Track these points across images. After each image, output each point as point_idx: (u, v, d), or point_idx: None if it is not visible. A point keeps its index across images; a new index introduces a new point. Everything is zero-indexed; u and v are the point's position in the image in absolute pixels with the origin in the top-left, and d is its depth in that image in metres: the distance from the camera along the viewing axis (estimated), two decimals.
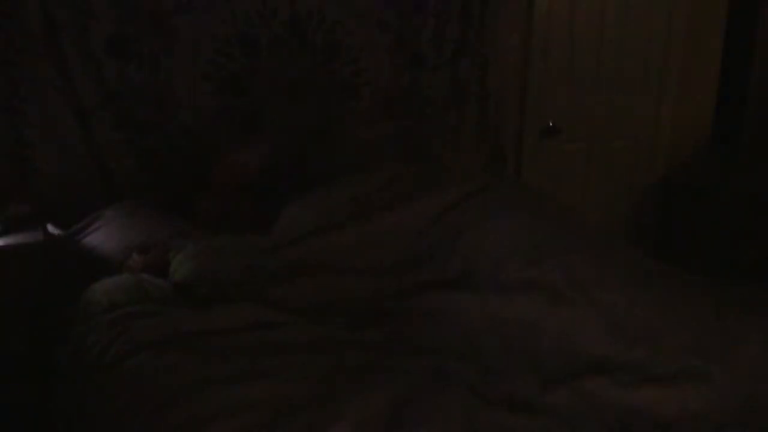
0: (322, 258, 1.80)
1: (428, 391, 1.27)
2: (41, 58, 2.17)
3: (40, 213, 2.19)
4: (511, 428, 1.18)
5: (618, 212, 3.49)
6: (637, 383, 1.33)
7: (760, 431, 1.21)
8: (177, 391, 1.24)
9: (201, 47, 2.41)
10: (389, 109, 2.86)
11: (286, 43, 2.57)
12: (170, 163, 2.45)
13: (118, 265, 1.95)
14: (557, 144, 3.28)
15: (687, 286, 1.67)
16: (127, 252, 2.00)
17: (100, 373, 1.41)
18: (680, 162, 3.54)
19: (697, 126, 3.56)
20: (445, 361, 1.41)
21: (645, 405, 1.28)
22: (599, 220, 3.05)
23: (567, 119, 3.26)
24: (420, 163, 2.62)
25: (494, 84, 3.08)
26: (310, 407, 1.18)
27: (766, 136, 3.38)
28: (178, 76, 2.40)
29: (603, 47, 3.24)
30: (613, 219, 3.45)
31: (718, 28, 3.42)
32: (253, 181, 2.21)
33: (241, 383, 1.26)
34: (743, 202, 3.11)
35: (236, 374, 1.29)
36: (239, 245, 1.89)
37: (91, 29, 2.21)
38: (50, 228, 2.15)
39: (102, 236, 2.09)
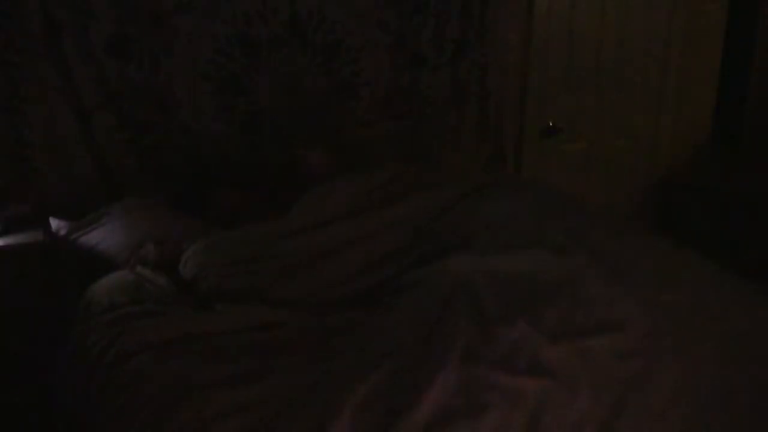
0: (326, 248, 1.84)
1: (425, 360, 1.26)
2: (41, 58, 2.17)
3: (40, 213, 2.19)
4: (510, 390, 1.17)
5: (618, 212, 3.50)
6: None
7: None
8: (180, 391, 1.24)
9: (201, 47, 2.41)
10: (389, 109, 2.86)
11: (286, 43, 2.57)
12: (171, 163, 2.45)
13: (124, 263, 1.95)
14: (557, 144, 3.28)
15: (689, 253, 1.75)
16: (135, 250, 2.00)
17: (101, 373, 1.41)
18: (680, 162, 3.54)
19: (697, 126, 3.56)
20: (444, 319, 1.41)
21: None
22: None
23: (567, 119, 3.26)
24: (420, 163, 2.62)
25: (494, 84, 3.08)
26: (311, 404, 1.18)
27: (766, 136, 3.38)
28: (178, 76, 2.40)
29: (603, 47, 3.24)
30: None
31: (718, 28, 3.42)
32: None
33: (244, 384, 1.26)
34: (743, 202, 3.11)
35: (239, 374, 1.29)
36: (250, 235, 1.91)
37: (91, 29, 2.21)
38: (53, 222, 2.14)
39: (107, 233, 2.08)
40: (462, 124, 3.05)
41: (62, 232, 2.11)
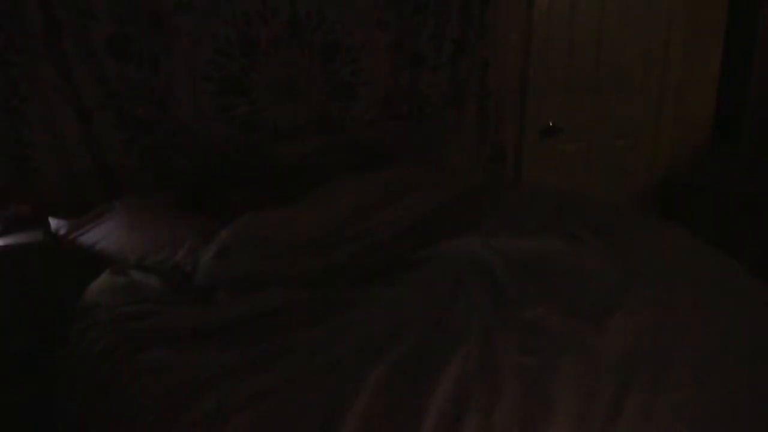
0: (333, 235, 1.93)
1: (442, 341, 1.27)
2: (41, 58, 2.17)
3: (40, 213, 2.19)
4: (526, 369, 1.19)
5: None
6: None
7: None
8: (196, 383, 1.24)
9: (201, 47, 2.41)
10: (389, 109, 2.86)
11: (286, 43, 2.57)
12: (170, 163, 2.45)
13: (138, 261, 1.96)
14: (557, 144, 3.28)
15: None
16: (143, 250, 2.00)
17: (103, 371, 1.40)
18: (680, 162, 3.54)
19: (697, 126, 3.56)
20: (459, 299, 1.44)
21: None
22: None
23: (567, 119, 3.26)
24: (421, 163, 2.63)
25: (494, 84, 3.08)
26: (326, 389, 1.18)
27: (766, 136, 3.38)
28: (178, 76, 2.40)
29: (603, 47, 3.24)
30: None
31: (718, 28, 3.42)
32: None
33: (258, 371, 1.26)
34: (743, 202, 3.11)
35: (251, 361, 1.30)
36: (262, 221, 2.00)
37: (91, 29, 2.21)
38: (53, 221, 2.14)
39: (108, 231, 2.08)
40: (462, 124, 3.05)
41: (62, 231, 2.11)
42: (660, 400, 1.16)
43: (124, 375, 1.34)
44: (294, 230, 1.97)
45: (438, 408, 1.10)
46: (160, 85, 2.37)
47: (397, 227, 1.98)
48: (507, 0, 3.00)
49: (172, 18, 2.33)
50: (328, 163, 2.48)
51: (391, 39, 2.78)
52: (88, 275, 1.84)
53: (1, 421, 1.93)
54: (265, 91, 2.58)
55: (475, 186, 2.24)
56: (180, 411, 1.18)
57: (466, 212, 2.03)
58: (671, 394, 1.18)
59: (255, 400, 1.17)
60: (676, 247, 1.83)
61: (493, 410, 1.10)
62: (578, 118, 3.29)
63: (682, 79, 3.43)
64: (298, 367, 1.27)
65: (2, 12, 2.09)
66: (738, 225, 3.08)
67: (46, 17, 2.14)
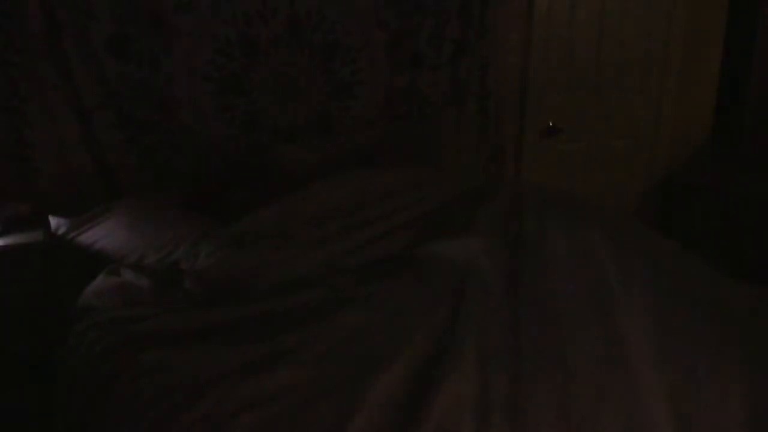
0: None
1: (441, 359, 1.29)
2: (41, 58, 2.17)
3: (40, 213, 2.19)
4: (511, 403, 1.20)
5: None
6: None
7: None
8: (197, 383, 1.25)
9: (201, 47, 2.41)
10: (388, 109, 2.86)
11: (285, 42, 2.57)
12: (170, 163, 2.45)
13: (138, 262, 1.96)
14: (557, 144, 3.28)
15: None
16: (143, 250, 2.00)
17: (103, 372, 1.40)
18: (680, 162, 3.54)
19: (697, 126, 3.56)
20: (460, 310, 1.45)
21: None
22: None
23: (567, 119, 3.26)
24: (420, 163, 2.63)
25: (494, 84, 3.08)
26: (328, 401, 1.18)
27: (766, 136, 3.37)
28: (178, 76, 2.40)
29: (603, 47, 3.24)
30: None
31: (718, 28, 3.42)
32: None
33: (260, 372, 1.27)
34: (743, 202, 3.11)
35: (254, 362, 1.31)
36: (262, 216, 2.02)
37: (91, 29, 2.21)
38: (53, 220, 2.14)
39: (108, 231, 2.09)
40: (462, 124, 3.05)
41: (62, 230, 2.11)
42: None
43: (124, 376, 1.35)
44: (291, 220, 1.98)
45: (435, 423, 1.11)
46: (160, 85, 2.37)
47: (394, 223, 1.98)
48: (507, 0, 3.00)
49: (172, 18, 2.33)
50: (328, 163, 2.48)
51: (391, 39, 2.78)
52: (87, 275, 1.84)
53: (1, 421, 1.93)
54: (265, 91, 2.58)
55: (474, 186, 2.24)
56: (180, 411, 1.18)
57: (464, 211, 2.04)
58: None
59: (255, 405, 1.17)
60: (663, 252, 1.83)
61: None
62: (578, 118, 3.29)
63: (682, 79, 3.43)
64: (300, 374, 1.27)
65: (2, 12, 2.09)
66: (738, 225, 3.08)
67: (46, 17, 2.14)
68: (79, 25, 2.19)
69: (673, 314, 1.44)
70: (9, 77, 2.16)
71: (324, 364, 1.30)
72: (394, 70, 2.83)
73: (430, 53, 2.88)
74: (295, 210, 2.05)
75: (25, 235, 2.10)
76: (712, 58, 3.46)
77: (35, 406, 1.89)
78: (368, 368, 1.25)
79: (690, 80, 3.44)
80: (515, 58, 3.13)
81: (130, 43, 2.29)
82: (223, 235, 1.92)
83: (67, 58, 2.20)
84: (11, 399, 1.96)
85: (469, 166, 3.06)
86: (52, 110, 2.23)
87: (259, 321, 1.51)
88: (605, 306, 1.47)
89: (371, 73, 2.78)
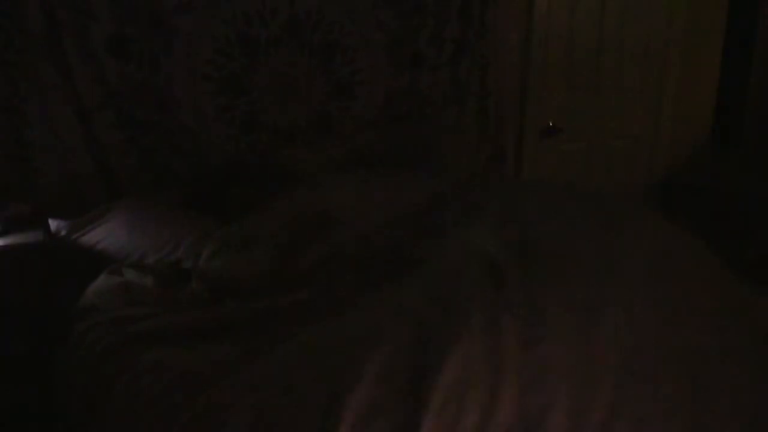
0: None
1: (444, 324, 1.26)
2: (41, 58, 2.17)
3: (40, 213, 2.19)
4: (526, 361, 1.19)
5: None
6: None
7: None
8: (194, 382, 1.24)
9: (201, 47, 2.41)
10: (388, 109, 2.86)
11: (285, 43, 2.57)
12: (171, 163, 2.45)
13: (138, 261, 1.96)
14: (557, 144, 3.28)
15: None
16: (144, 250, 2.00)
17: (104, 372, 1.40)
18: (680, 162, 3.54)
19: (697, 126, 3.56)
20: (461, 289, 1.42)
21: None
22: None
23: (567, 119, 3.26)
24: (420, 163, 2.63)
25: (494, 84, 3.08)
26: (326, 374, 1.17)
27: (766, 136, 3.38)
28: (178, 76, 2.39)
29: (603, 47, 3.24)
30: None
31: (718, 28, 3.42)
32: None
33: (254, 362, 1.27)
34: (743, 202, 3.11)
35: (248, 353, 1.31)
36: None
37: (91, 29, 2.21)
38: (53, 223, 2.14)
39: (109, 231, 2.09)
40: (462, 124, 3.05)
41: (62, 233, 2.12)
42: (659, 397, 1.17)
43: (126, 375, 1.35)
44: (292, 219, 1.97)
45: (442, 393, 1.09)
46: (160, 86, 2.37)
47: (393, 214, 1.98)
48: (507, 0, 3.00)
49: (172, 18, 2.33)
50: (330, 165, 2.48)
51: (391, 39, 2.78)
52: (88, 276, 1.84)
53: (1, 421, 1.93)
54: (265, 91, 2.58)
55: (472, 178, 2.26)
56: (181, 409, 1.18)
57: (464, 199, 2.04)
58: (668, 384, 1.18)
59: (255, 390, 1.17)
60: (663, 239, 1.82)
61: (494, 405, 1.10)
62: (578, 118, 3.29)
63: (682, 79, 3.43)
64: (297, 353, 1.27)
65: (2, 12, 2.09)
66: (738, 225, 3.08)
67: (46, 17, 2.14)
68: (79, 25, 2.19)
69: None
70: (9, 77, 2.16)
71: (321, 343, 1.29)
72: (394, 70, 2.83)
73: (430, 53, 2.88)
74: (296, 210, 2.05)
75: (25, 235, 2.09)
76: (712, 58, 3.46)
77: (35, 406, 1.89)
78: (367, 343, 1.23)
79: (690, 80, 3.45)
80: (515, 58, 3.13)
81: (130, 43, 2.29)
82: (226, 235, 1.92)
83: (67, 58, 2.20)
84: (11, 399, 1.96)
85: (469, 165, 3.06)
86: (52, 110, 2.23)
87: (264, 320, 1.51)
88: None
89: (371, 73, 2.78)
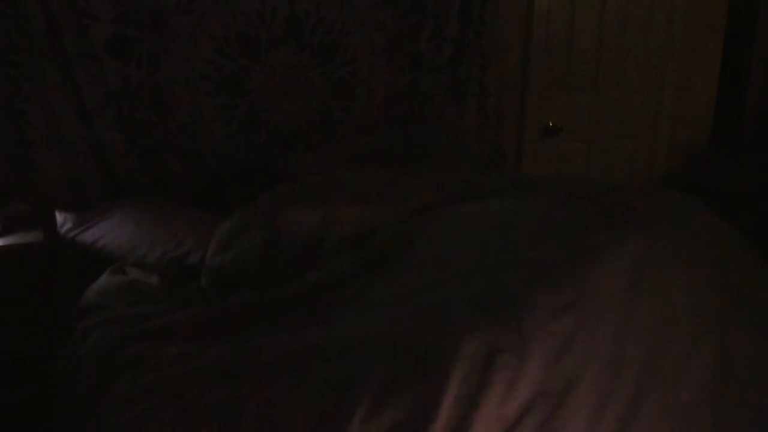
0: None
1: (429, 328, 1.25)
2: (42, 58, 2.17)
3: (40, 212, 2.19)
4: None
5: None
6: None
7: None
8: (199, 380, 1.25)
9: (200, 47, 2.41)
10: (388, 109, 2.86)
11: (284, 43, 2.57)
12: (171, 163, 2.45)
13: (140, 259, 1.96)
14: (557, 143, 3.28)
15: None
16: (147, 246, 2.00)
17: (107, 371, 1.40)
18: (680, 162, 3.54)
19: (697, 126, 3.56)
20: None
21: None
22: None
23: (567, 119, 3.26)
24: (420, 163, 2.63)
25: (494, 84, 3.08)
26: (337, 365, 1.18)
27: (766, 136, 3.38)
28: (177, 76, 2.40)
29: (603, 47, 3.24)
30: None
31: (718, 28, 3.42)
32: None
33: (260, 354, 1.28)
34: (743, 202, 3.11)
35: (254, 348, 1.32)
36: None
37: (91, 29, 2.21)
38: (59, 216, 2.14)
39: (112, 228, 2.09)
40: (461, 124, 3.05)
41: (68, 226, 2.12)
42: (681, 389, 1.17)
43: (131, 373, 1.34)
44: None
45: (462, 374, 1.09)
46: (160, 85, 2.37)
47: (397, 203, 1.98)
48: (507, 0, 3.00)
49: (172, 18, 2.33)
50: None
51: (391, 39, 2.78)
52: (91, 273, 1.85)
53: (1, 421, 1.93)
54: (265, 92, 2.58)
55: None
56: (187, 408, 1.18)
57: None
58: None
59: (261, 387, 1.17)
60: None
61: (518, 377, 1.10)
62: (578, 118, 3.29)
63: (682, 79, 3.43)
64: (304, 346, 1.27)
65: (2, 12, 2.09)
66: (738, 225, 3.08)
67: (46, 17, 2.14)
68: (79, 25, 2.19)
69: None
70: (10, 77, 2.16)
71: (329, 335, 1.30)
72: (394, 71, 2.83)
73: (429, 53, 2.88)
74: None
75: (25, 235, 2.10)
76: (712, 58, 3.46)
77: (35, 406, 1.89)
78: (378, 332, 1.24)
79: (690, 80, 3.45)
80: (515, 58, 3.13)
81: (130, 43, 2.29)
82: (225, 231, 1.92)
83: (67, 58, 2.20)
84: (11, 399, 1.96)
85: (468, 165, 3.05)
86: (53, 110, 2.23)
87: (275, 317, 1.51)
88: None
89: (371, 74, 2.78)
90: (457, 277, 1.40)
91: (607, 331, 1.22)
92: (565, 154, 3.32)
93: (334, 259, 1.67)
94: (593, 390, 1.12)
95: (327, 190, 2.06)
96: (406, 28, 2.80)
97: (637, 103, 3.41)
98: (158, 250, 1.97)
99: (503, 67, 3.10)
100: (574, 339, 1.18)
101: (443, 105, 2.98)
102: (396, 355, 1.15)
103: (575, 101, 3.27)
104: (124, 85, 2.31)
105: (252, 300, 1.58)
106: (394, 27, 2.77)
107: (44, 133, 2.24)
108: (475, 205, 1.78)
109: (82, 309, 1.70)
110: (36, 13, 2.12)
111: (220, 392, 1.19)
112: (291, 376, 1.19)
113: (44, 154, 2.25)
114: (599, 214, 1.62)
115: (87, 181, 2.34)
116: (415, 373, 1.11)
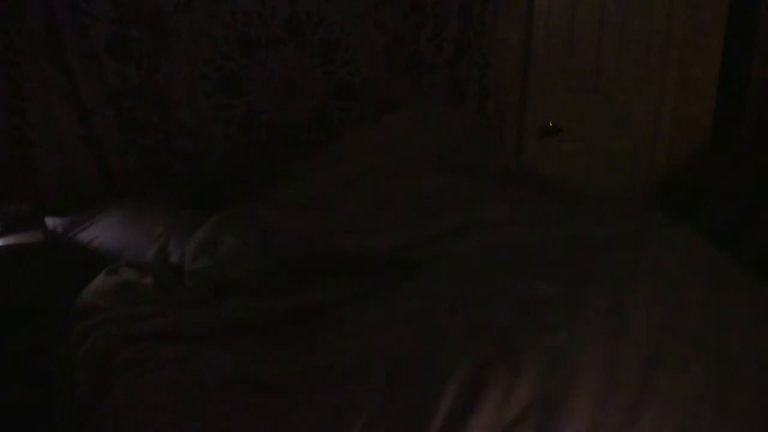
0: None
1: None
2: (42, 58, 2.17)
3: (40, 212, 2.19)
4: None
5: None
6: None
7: None
8: (198, 385, 1.25)
9: (200, 47, 2.41)
10: (388, 109, 2.85)
11: (284, 43, 2.57)
12: (170, 163, 2.45)
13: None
14: (557, 143, 3.28)
15: None
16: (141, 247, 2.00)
17: (106, 371, 1.40)
18: (680, 162, 3.54)
19: (697, 126, 3.56)
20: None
21: None
22: None
23: (567, 119, 3.26)
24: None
25: (494, 84, 3.08)
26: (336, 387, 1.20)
27: (766, 136, 3.38)
28: (177, 76, 2.40)
29: (603, 47, 3.24)
30: None
31: (718, 28, 3.42)
32: None
33: (262, 373, 1.29)
34: (743, 202, 3.11)
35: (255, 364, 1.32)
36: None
37: (91, 29, 2.22)
38: (49, 220, 2.14)
39: (106, 228, 2.09)
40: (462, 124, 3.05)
41: (59, 230, 2.12)
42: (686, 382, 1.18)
43: (129, 374, 1.35)
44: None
45: (458, 385, 1.11)
46: (160, 85, 2.37)
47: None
48: (507, 0, 3.00)
49: (171, 18, 2.33)
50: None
51: (391, 39, 2.78)
52: (86, 273, 1.84)
53: (1, 421, 1.93)
54: (265, 91, 2.58)
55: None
56: (188, 412, 1.18)
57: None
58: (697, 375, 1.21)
59: (257, 395, 1.17)
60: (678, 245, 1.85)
61: (513, 387, 1.11)
62: (578, 118, 3.29)
63: (682, 79, 3.43)
64: (304, 366, 1.28)
65: (2, 12, 2.09)
66: (738, 225, 3.08)
67: (46, 17, 2.14)
68: (79, 25, 2.20)
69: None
70: (10, 77, 2.16)
71: (327, 357, 1.31)
72: (394, 71, 2.83)
73: (429, 53, 2.88)
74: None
75: (25, 235, 2.10)
76: (712, 58, 3.46)
77: (35, 406, 1.89)
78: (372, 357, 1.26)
79: (690, 80, 3.44)
80: (515, 58, 3.13)
81: (130, 43, 2.29)
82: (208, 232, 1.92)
83: (67, 58, 2.20)
84: (11, 398, 1.96)
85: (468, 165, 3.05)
86: (52, 110, 2.23)
87: (274, 334, 1.50)
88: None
89: (371, 73, 2.78)
90: (452, 305, 1.44)
91: (602, 341, 1.24)
92: (565, 154, 3.32)
93: (333, 281, 1.68)
94: (590, 397, 1.13)
95: (323, 201, 2.06)
96: (406, 28, 2.80)
97: (637, 103, 3.41)
98: (153, 251, 1.96)
99: (503, 67, 3.10)
100: (569, 351, 1.20)
101: (443, 105, 2.98)
102: (392, 375, 1.18)
103: (575, 101, 3.27)
104: (124, 85, 2.32)
105: (250, 311, 1.58)
106: (394, 27, 2.77)
107: (44, 133, 2.24)
108: (474, 237, 1.85)
109: (79, 310, 1.70)
110: (36, 13, 2.13)
111: (218, 406, 1.19)
112: (290, 396, 1.20)
113: (44, 154, 2.26)
114: (597, 248, 1.71)
115: (87, 181, 2.34)
116: (412, 389, 1.14)
